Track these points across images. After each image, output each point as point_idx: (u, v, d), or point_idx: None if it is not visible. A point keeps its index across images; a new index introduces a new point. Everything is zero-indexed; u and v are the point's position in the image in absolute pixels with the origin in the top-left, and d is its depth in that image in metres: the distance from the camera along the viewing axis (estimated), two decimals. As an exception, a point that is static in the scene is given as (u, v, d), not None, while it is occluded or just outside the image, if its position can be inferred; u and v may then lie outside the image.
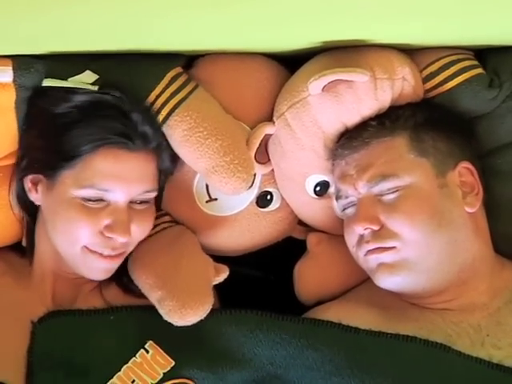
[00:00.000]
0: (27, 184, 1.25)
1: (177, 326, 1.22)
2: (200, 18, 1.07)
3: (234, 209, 1.32)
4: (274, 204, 1.35)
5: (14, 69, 1.21)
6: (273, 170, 1.33)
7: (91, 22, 1.06)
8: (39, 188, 1.24)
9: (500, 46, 1.30)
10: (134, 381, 1.21)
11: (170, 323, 1.22)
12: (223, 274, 1.27)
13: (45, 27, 1.07)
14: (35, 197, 1.25)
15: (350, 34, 1.21)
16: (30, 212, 1.28)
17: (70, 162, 1.19)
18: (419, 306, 1.26)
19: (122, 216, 1.20)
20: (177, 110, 1.23)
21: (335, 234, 1.36)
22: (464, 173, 1.26)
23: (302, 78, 1.27)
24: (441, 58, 1.28)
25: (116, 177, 1.19)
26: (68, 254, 1.23)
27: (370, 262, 1.23)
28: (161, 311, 1.22)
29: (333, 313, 1.28)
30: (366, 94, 1.23)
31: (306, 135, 1.27)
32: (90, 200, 1.19)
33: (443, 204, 1.22)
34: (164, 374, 1.22)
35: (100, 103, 1.20)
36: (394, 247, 1.20)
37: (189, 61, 1.33)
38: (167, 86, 1.24)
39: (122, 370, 1.21)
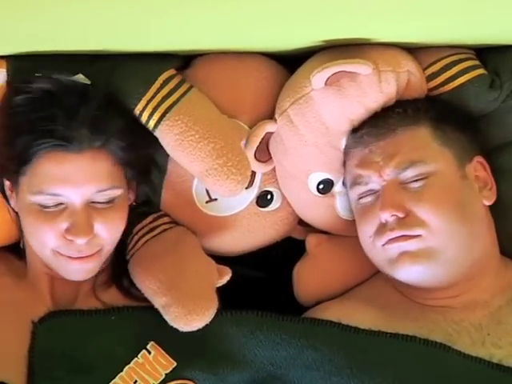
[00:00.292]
0: (6, 189, 1.26)
1: (178, 328, 1.23)
2: (198, 17, 1.07)
3: (234, 209, 1.32)
4: (275, 204, 1.34)
5: (7, 70, 1.22)
6: (273, 170, 1.33)
7: (87, 22, 1.06)
8: (13, 193, 1.25)
9: (500, 45, 1.29)
10: (136, 381, 1.22)
11: (170, 324, 1.23)
12: (226, 276, 1.27)
13: (40, 27, 1.08)
14: (12, 202, 1.26)
15: (350, 33, 1.20)
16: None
17: (22, 167, 1.19)
18: (421, 304, 1.25)
19: (79, 218, 1.19)
20: (167, 115, 1.23)
21: (336, 233, 1.36)
22: (478, 168, 1.26)
23: (305, 74, 1.26)
24: (442, 58, 1.28)
25: (62, 180, 1.18)
26: (43, 257, 1.25)
27: (390, 250, 1.21)
28: (166, 317, 1.23)
29: (332, 312, 1.27)
30: (370, 87, 1.22)
31: (309, 131, 1.26)
32: (47, 205, 1.19)
33: (465, 195, 1.23)
34: (166, 374, 1.23)
35: (49, 97, 1.19)
36: (419, 235, 1.19)
37: (187, 61, 1.32)
38: (158, 90, 1.23)
39: (124, 370, 1.22)
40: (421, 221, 1.19)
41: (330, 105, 1.23)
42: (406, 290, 1.27)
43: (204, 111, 1.25)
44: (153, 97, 1.23)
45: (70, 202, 1.19)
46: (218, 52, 1.31)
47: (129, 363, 1.23)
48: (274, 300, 1.31)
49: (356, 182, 1.26)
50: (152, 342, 1.24)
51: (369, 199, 1.25)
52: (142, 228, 1.32)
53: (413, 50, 1.29)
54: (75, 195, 1.18)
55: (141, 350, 1.24)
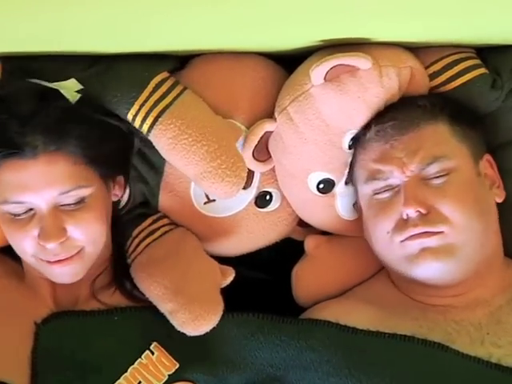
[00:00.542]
0: None
1: (180, 328, 1.24)
2: (195, 17, 1.07)
3: (233, 210, 1.32)
4: (274, 204, 1.34)
5: (2, 72, 1.23)
6: (272, 170, 1.32)
7: (82, 23, 1.06)
8: None
9: (500, 45, 1.28)
10: (140, 382, 1.23)
11: (172, 325, 1.24)
12: (230, 276, 1.28)
13: (34, 29, 1.08)
14: None
15: (349, 33, 1.19)
16: None
17: None
18: (422, 303, 1.25)
19: (47, 222, 1.18)
20: (160, 119, 1.23)
21: (336, 233, 1.36)
22: (486, 165, 1.27)
23: (304, 72, 1.25)
24: (443, 57, 1.28)
25: (22, 188, 1.17)
26: (29, 262, 1.26)
27: (410, 247, 1.21)
28: (173, 322, 1.23)
29: (330, 311, 1.28)
30: (370, 82, 1.21)
31: (309, 129, 1.25)
32: (17, 213, 1.19)
33: (481, 192, 1.23)
34: (169, 375, 1.24)
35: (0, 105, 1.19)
36: (441, 232, 1.19)
37: (182, 61, 1.32)
38: (151, 94, 1.23)
39: (129, 371, 1.23)
40: (444, 217, 1.19)
41: (330, 101, 1.22)
42: (408, 289, 1.27)
43: (197, 113, 1.25)
44: (145, 101, 1.23)
45: (37, 208, 1.19)
46: (214, 52, 1.30)
47: (132, 364, 1.24)
48: (273, 301, 1.31)
49: (374, 178, 1.24)
50: (155, 343, 1.25)
51: (386, 195, 1.23)
52: (142, 231, 1.32)
53: (413, 50, 1.28)
54: (39, 201, 1.18)
55: (144, 351, 1.24)
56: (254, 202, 1.32)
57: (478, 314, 1.22)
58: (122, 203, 1.33)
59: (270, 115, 1.30)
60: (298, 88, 1.25)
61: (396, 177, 1.21)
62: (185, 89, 1.27)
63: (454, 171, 1.20)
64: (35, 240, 1.20)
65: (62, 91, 1.23)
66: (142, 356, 1.24)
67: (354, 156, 1.27)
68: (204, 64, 1.31)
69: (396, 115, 1.23)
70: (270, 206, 1.34)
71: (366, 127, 1.24)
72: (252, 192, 1.32)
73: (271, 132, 1.29)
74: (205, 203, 1.32)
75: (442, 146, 1.21)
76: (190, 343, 1.24)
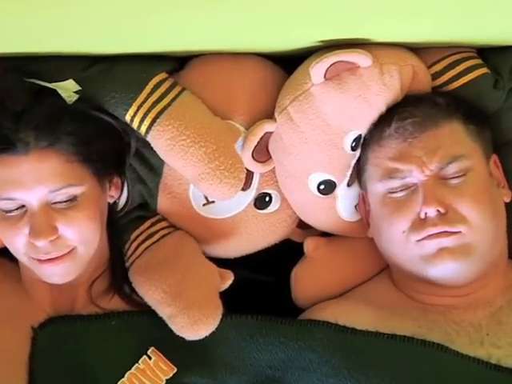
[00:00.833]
0: None
1: (178, 332, 1.23)
2: (194, 18, 1.06)
3: (232, 211, 1.31)
4: (273, 206, 1.33)
5: None
6: (272, 172, 1.32)
7: (82, 23, 1.05)
8: None
9: (501, 46, 1.28)
10: (137, 387, 1.23)
11: (170, 329, 1.23)
12: (228, 280, 1.28)
13: (34, 29, 1.07)
14: None
15: (349, 33, 1.19)
16: None
17: None
18: (423, 303, 1.25)
19: (38, 220, 1.17)
20: (158, 120, 1.22)
21: (336, 233, 1.35)
22: (493, 166, 1.27)
23: (304, 71, 1.25)
24: (445, 57, 1.28)
25: (13, 184, 1.17)
26: (23, 262, 1.25)
27: (427, 246, 1.20)
28: (172, 327, 1.23)
29: (330, 312, 1.27)
30: (371, 80, 1.21)
31: (310, 128, 1.25)
32: (9, 209, 1.19)
33: (494, 192, 1.24)
34: (167, 380, 1.23)
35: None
36: (459, 232, 1.19)
37: (181, 62, 1.31)
38: (149, 95, 1.23)
39: (126, 376, 1.22)
40: (462, 217, 1.19)
41: (331, 100, 1.22)
42: (411, 290, 1.26)
43: (196, 114, 1.24)
44: (143, 102, 1.22)
45: (28, 205, 1.18)
46: (213, 53, 1.29)
47: (130, 369, 1.23)
48: (272, 303, 1.30)
49: (390, 176, 1.23)
50: (153, 348, 1.24)
51: (402, 193, 1.22)
52: (140, 234, 1.32)
53: (414, 50, 1.27)
54: (30, 197, 1.17)
55: (141, 356, 1.24)
56: (253, 203, 1.32)
57: (478, 314, 1.22)
58: (120, 205, 1.32)
59: (268, 116, 1.29)
60: (298, 87, 1.24)
61: (414, 176, 1.21)
62: (183, 90, 1.26)
63: (470, 171, 1.20)
64: (26, 238, 1.19)
65: (59, 91, 1.22)
66: (140, 361, 1.24)
67: (365, 154, 1.26)
68: (203, 65, 1.30)
69: (415, 112, 1.22)
70: (269, 208, 1.33)
71: (385, 124, 1.23)
72: (251, 193, 1.31)
73: (271, 133, 1.28)
74: (204, 205, 1.31)
75: (459, 146, 1.21)
76: (189, 347, 1.24)
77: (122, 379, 1.22)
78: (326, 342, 1.22)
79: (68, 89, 1.23)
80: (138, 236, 1.32)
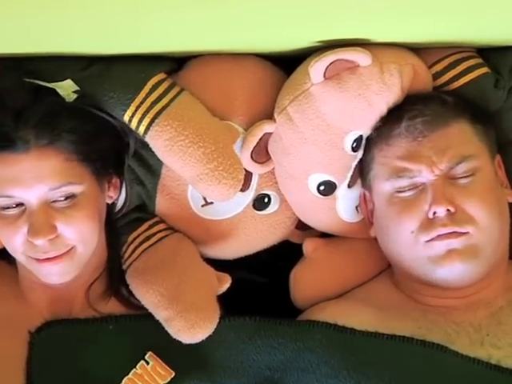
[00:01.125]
0: None
1: (176, 336, 1.23)
2: (193, 18, 1.06)
3: (230, 212, 1.31)
4: (272, 207, 1.32)
5: None
6: (271, 173, 1.31)
7: (80, 24, 1.05)
8: None
9: (501, 46, 1.28)
10: (134, 392, 1.22)
11: (168, 333, 1.22)
12: (226, 283, 1.27)
13: (33, 29, 1.07)
14: None
15: (349, 33, 1.18)
16: None
17: None
18: (424, 304, 1.24)
19: (36, 218, 1.17)
20: (157, 120, 1.21)
21: (336, 234, 1.34)
22: (497, 166, 1.27)
23: (303, 71, 1.24)
24: (446, 57, 1.28)
25: (12, 182, 1.16)
26: (21, 262, 1.24)
27: (436, 247, 1.19)
28: (169, 330, 1.22)
29: (329, 312, 1.27)
30: (371, 79, 1.20)
31: (309, 128, 1.24)
32: (6, 208, 1.18)
33: (499, 192, 1.24)
34: None
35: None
36: (467, 232, 1.19)
37: (180, 63, 1.31)
38: (148, 96, 1.22)
39: (123, 381, 1.22)
40: (470, 217, 1.18)
41: (331, 99, 1.21)
42: (413, 290, 1.26)
43: (194, 115, 1.24)
44: (142, 102, 1.22)
45: (27, 204, 1.18)
46: (212, 53, 1.29)
47: (127, 374, 1.22)
48: (271, 304, 1.30)
49: (398, 175, 1.22)
50: (150, 352, 1.24)
51: (410, 193, 1.21)
52: (138, 236, 1.31)
53: (414, 50, 1.27)
54: (28, 196, 1.17)
55: (139, 361, 1.23)
56: (252, 204, 1.31)
57: (478, 315, 1.22)
58: (118, 206, 1.32)
59: (267, 117, 1.28)
60: (298, 87, 1.24)
61: (424, 176, 1.20)
62: (182, 90, 1.26)
63: (479, 171, 1.20)
64: (25, 236, 1.18)
65: (58, 91, 1.22)
66: (137, 366, 1.23)
67: (370, 153, 1.25)
68: (201, 65, 1.30)
69: (425, 111, 1.21)
70: (268, 209, 1.32)
71: (394, 122, 1.22)
72: (250, 194, 1.30)
73: (270, 133, 1.28)
74: (202, 206, 1.30)
75: (468, 145, 1.21)
76: (187, 350, 1.23)
77: None
78: (325, 342, 1.22)
79: (67, 88, 1.22)
80: (135, 238, 1.31)
